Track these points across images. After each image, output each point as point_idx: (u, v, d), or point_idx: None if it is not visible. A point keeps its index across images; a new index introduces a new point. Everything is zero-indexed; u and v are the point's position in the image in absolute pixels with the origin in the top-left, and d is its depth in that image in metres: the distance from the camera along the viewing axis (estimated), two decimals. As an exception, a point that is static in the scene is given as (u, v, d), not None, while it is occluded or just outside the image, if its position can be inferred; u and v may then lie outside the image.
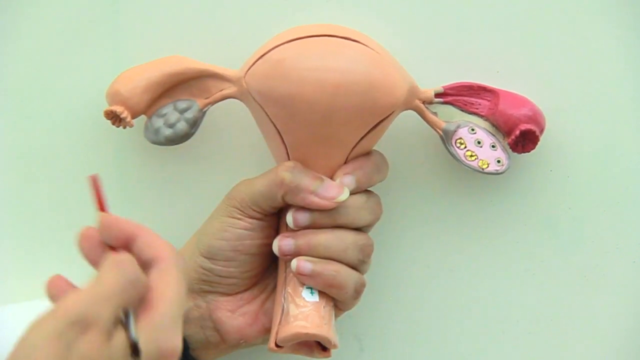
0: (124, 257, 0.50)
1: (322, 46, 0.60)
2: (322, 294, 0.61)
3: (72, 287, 0.53)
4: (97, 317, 0.47)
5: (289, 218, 0.61)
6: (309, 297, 0.61)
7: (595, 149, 0.68)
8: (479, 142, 0.64)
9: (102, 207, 0.54)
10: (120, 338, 0.48)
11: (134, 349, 0.48)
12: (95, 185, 0.54)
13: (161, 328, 0.49)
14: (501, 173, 0.64)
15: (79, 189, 0.69)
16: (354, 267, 0.62)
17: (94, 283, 0.49)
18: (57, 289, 0.53)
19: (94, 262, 0.53)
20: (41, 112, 0.68)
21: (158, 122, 0.64)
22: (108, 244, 0.53)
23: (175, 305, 0.50)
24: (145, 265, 0.51)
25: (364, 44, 0.60)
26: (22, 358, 0.46)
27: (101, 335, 0.47)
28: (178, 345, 0.49)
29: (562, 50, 0.67)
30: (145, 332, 0.49)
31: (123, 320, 0.49)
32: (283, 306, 0.61)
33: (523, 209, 0.69)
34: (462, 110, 0.64)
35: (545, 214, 0.69)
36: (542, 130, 0.64)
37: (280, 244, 0.61)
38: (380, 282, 0.69)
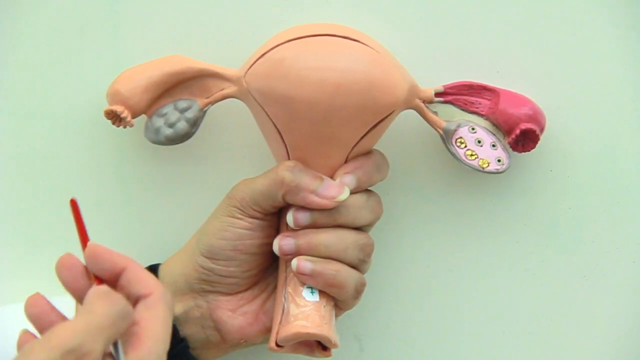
0: (109, 289, 0.51)
1: (322, 45, 0.60)
2: (322, 293, 0.61)
3: (52, 307, 0.54)
4: (90, 349, 0.48)
5: (289, 217, 0.61)
6: (310, 297, 0.61)
7: (595, 149, 0.68)
8: (479, 141, 0.64)
9: (83, 231, 0.54)
10: None
11: None
12: (76, 209, 0.54)
13: None
14: (501, 172, 0.64)
15: (79, 189, 0.69)
16: (354, 267, 0.62)
17: (86, 314, 0.49)
18: (36, 309, 0.53)
19: (75, 290, 0.54)
20: (41, 112, 0.68)
21: (158, 122, 0.64)
22: (95, 274, 0.54)
23: (161, 341, 0.51)
24: (132, 298, 0.52)
25: (364, 44, 0.60)
26: None
27: None
28: None
29: (562, 50, 0.67)
30: None
31: (113, 353, 0.50)
32: (283, 306, 0.61)
33: (523, 209, 0.69)
34: (463, 110, 0.64)
35: (545, 214, 0.69)
36: (542, 129, 0.64)
37: (281, 243, 0.61)
38: (380, 282, 0.69)
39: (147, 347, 0.50)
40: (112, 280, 0.53)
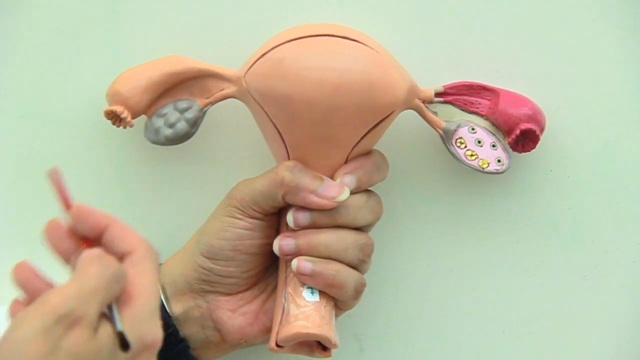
0: (102, 252, 0.50)
1: (322, 46, 0.60)
2: (322, 293, 0.61)
3: (40, 274, 0.52)
4: (84, 313, 0.47)
5: (289, 218, 0.61)
6: (310, 297, 0.61)
7: (595, 149, 0.68)
8: (479, 142, 0.64)
9: (66, 201, 0.53)
10: (106, 331, 0.48)
11: (122, 341, 0.48)
12: (57, 180, 0.53)
13: (142, 320, 0.49)
14: (501, 172, 0.64)
15: (79, 189, 0.69)
16: (354, 267, 0.62)
17: (79, 278, 0.48)
18: (24, 276, 0.52)
19: (61, 253, 0.53)
20: (41, 112, 0.68)
21: (158, 122, 0.64)
22: (80, 234, 0.53)
23: (153, 297, 0.50)
24: (117, 256, 0.51)
25: (363, 44, 0.60)
26: (9, 354, 0.45)
27: (88, 330, 0.47)
28: (159, 335, 0.50)
29: (562, 50, 0.67)
30: (126, 324, 0.49)
31: (107, 314, 0.49)
32: (283, 306, 0.61)
33: (523, 209, 0.69)
34: (462, 110, 0.64)
35: (545, 214, 0.69)
36: (542, 130, 0.64)
37: (281, 243, 0.61)
38: (380, 282, 0.69)
39: (139, 303, 0.49)
40: (98, 238, 0.52)
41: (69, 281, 0.49)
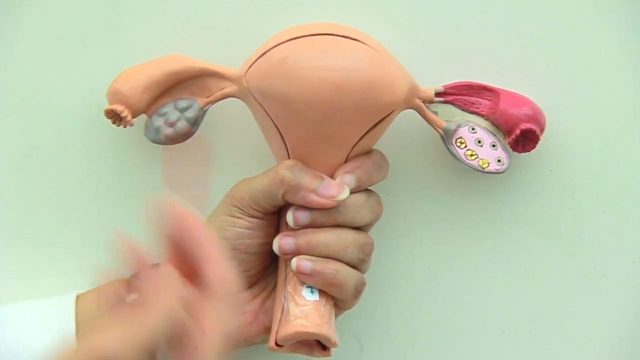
0: (176, 282, 0.50)
1: (322, 45, 0.60)
2: (322, 292, 0.61)
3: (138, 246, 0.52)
4: (124, 357, 0.47)
5: (289, 217, 0.61)
6: (309, 296, 0.61)
7: (595, 149, 0.68)
8: (479, 142, 0.64)
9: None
10: None
11: None
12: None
13: None
14: (501, 172, 0.64)
15: (79, 189, 0.69)
16: (354, 266, 0.62)
17: (133, 323, 0.48)
18: (124, 247, 0.52)
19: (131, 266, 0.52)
20: (41, 112, 0.68)
21: (158, 121, 0.64)
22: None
23: (217, 350, 0.49)
24: (195, 271, 0.51)
25: (364, 43, 0.60)
26: None
27: None
28: None
29: (562, 50, 0.67)
30: None
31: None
32: (283, 305, 0.61)
33: (523, 209, 0.69)
34: (463, 110, 0.64)
35: (545, 214, 0.69)
36: (542, 130, 0.64)
37: (281, 242, 0.61)
38: (380, 282, 0.69)
39: (202, 355, 0.49)
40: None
41: (123, 323, 0.48)
